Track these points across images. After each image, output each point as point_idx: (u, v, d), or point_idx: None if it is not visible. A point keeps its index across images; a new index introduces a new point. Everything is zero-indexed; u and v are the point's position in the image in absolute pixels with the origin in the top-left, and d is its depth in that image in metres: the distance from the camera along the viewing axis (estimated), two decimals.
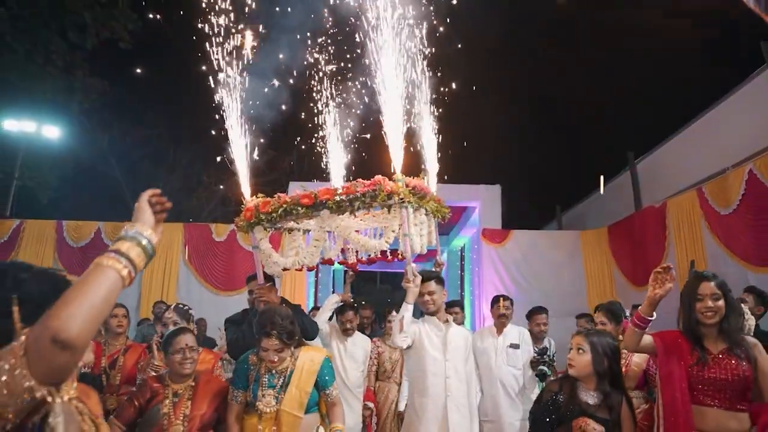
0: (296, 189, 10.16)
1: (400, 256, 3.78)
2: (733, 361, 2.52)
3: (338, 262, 4.40)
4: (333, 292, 9.33)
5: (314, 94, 6.52)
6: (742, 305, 3.64)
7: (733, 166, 6.70)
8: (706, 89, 8.87)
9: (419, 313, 3.78)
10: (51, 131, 11.55)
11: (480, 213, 10.35)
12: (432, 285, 3.63)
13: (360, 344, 4.75)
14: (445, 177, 9.10)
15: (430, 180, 5.08)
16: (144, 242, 1.28)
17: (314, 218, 4.06)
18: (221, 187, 17.02)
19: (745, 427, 2.46)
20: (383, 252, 3.86)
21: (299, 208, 3.89)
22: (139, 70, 15.99)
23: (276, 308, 2.99)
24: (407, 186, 3.70)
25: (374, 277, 23.57)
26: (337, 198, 3.77)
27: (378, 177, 3.76)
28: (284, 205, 3.92)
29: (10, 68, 11.81)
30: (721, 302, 2.60)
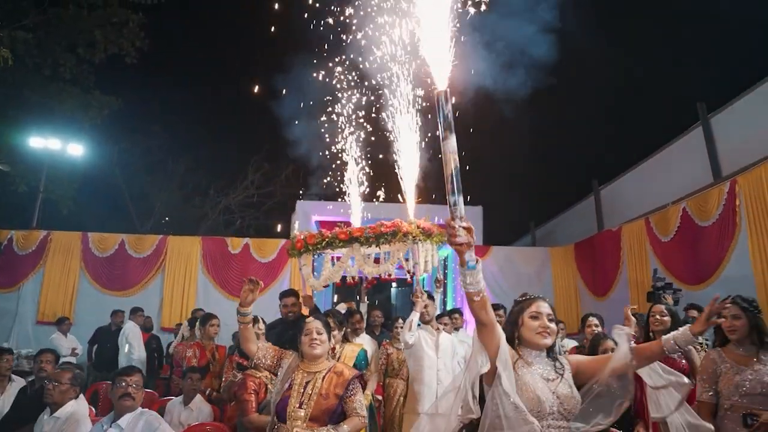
0: (304, 208, 11.35)
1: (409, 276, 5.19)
2: (675, 359, 3.77)
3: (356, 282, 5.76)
4: (337, 302, 10.49)
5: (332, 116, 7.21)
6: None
7: (672, 202, 8.17)
8: (658, 132, 10.44)
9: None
10: (75, 149, 12.39)
11: None
12: (427, 301, 4.91)
13: (366, 342, 5.95)
14: (434, 196, 10.40)
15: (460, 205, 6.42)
16: (240, 311, 2.87)
17: (347, 248, 5.35)
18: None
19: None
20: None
21: (337, 241, 5.19)
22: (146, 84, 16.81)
23: (335, 309, 4.34)
24: (418, 227, 5.05)
25: None
26: (366, 235, 5.08)
27: (397, 220, 5.09)
28: (326, 239, 5.21)
29: (31, 87, 12.62)
30: (667, 318, 3.94)
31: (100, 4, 13.67)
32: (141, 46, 14.59)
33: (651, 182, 9.82)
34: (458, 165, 1.86)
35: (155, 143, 17.60)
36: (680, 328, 2.18)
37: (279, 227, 15.92)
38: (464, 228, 1.85)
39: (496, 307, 5.85)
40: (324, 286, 6.00)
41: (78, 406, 3.34)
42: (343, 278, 6.11)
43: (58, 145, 11.99)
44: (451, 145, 1.85)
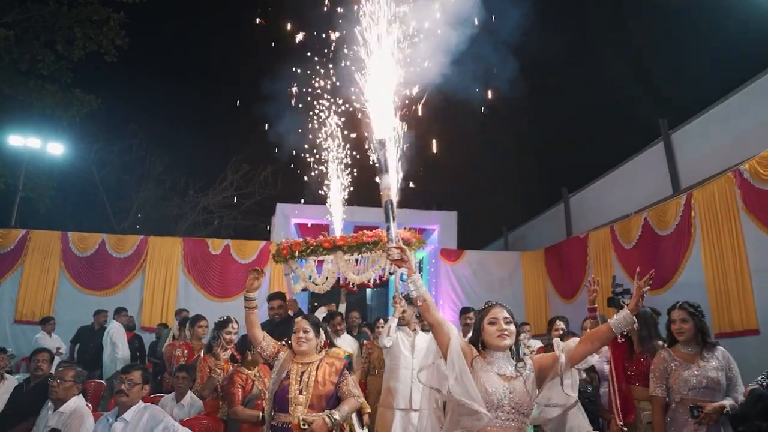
0: (283, 210, 11.54)
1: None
2: (645, 357, 4.02)
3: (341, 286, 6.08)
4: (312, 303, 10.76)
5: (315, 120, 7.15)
6: None
7: (635, 212, 8.70)
8: (623, 145, 11.06)
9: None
10: (55, 148, 12.39)
11: (439, 234, 12.10)
12: (405, 306, 5.27)
13: (348, 343, 6.29)
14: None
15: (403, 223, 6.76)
16: (247, 296, 3.19)
17: (330, 255, 5.67)
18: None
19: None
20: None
21: (321, 249, 5.51)
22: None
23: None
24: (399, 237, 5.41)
25: None
26: (349, 244, 5.42)
27: (378, 230, 5.44)
28: (311, 247, 5.52)
29: (9, 83, 12.54)
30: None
31: (81, 1, 13.62)
32: (121, 44, 14.52)
33: (616, 192, 10.38)
34: (391, 199, 2.35)
35: (133, 142, 17.60)
36: (620, 311, 2.50)
37: (257, 228, 16.10)
38: (396, 248, 2.33)
39: (466, 310, 6.23)
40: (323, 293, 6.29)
41: (80, 402, 3.58)
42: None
43: (37, 144, 11.98)
44: (385, 182, 2.35)
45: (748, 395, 3.24)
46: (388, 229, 2.39)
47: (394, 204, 2.42)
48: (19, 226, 11.15)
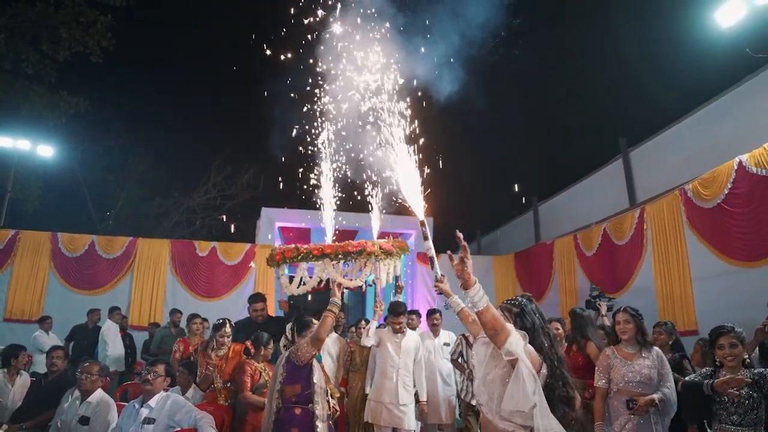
0: (268, 214, 11.99)
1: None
2: (576, 351, 4.76)
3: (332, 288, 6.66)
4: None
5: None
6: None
7: (596, 222, 9.48)
8: (586, 160, 11.90)
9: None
10: (45, 150, 12.61)
11: (416, 239, 12.73)
12: (399, 318, 5.87)
13: (333, 340, 6.81)
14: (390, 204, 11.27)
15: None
16: (334, 302, 3.86)
17: (319, 261, 6.23)
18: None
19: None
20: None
21: (311, 256, 6.07)
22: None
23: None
24: (381, 248, 5.99)
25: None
26: (336, 252, 5.99)
27: (363, 240, 6.02)
28: (302, 253, 6.07)
29: None
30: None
31: (68, 3, 13.75)
32: (107, 46, 14.64)
33: (580, 203, 11.19)
34: (433, 255, 3.20)
35: (117, 142, 17.74)
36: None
37: (240, 229, 16.45)
38: (438, 284, 3.12)
39: (432, 311, 6.85)
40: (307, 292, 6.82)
41: (104, 393, 4.09)
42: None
43: (27, 145, 12.20)
44: (427, 245, 3.24)
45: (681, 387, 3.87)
46: (433, 268, 3.19)
47: (435, 258, 3.24)
48: (6, 226, 11.38)
